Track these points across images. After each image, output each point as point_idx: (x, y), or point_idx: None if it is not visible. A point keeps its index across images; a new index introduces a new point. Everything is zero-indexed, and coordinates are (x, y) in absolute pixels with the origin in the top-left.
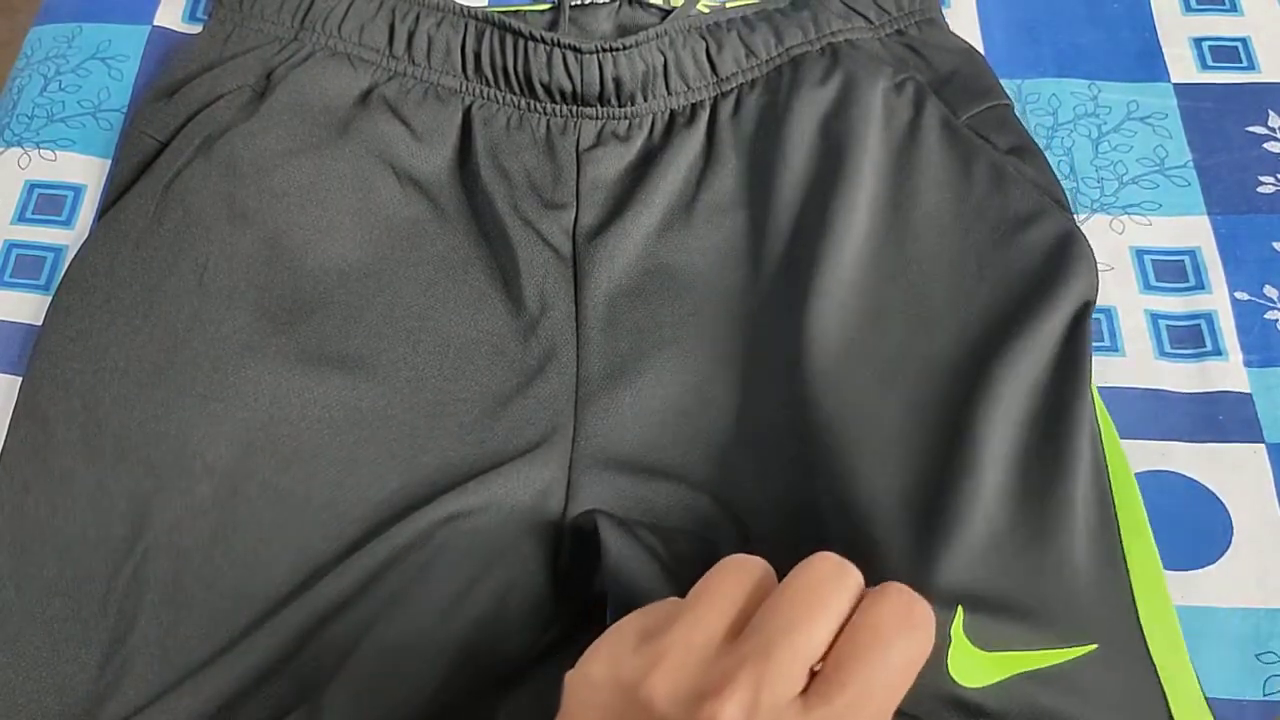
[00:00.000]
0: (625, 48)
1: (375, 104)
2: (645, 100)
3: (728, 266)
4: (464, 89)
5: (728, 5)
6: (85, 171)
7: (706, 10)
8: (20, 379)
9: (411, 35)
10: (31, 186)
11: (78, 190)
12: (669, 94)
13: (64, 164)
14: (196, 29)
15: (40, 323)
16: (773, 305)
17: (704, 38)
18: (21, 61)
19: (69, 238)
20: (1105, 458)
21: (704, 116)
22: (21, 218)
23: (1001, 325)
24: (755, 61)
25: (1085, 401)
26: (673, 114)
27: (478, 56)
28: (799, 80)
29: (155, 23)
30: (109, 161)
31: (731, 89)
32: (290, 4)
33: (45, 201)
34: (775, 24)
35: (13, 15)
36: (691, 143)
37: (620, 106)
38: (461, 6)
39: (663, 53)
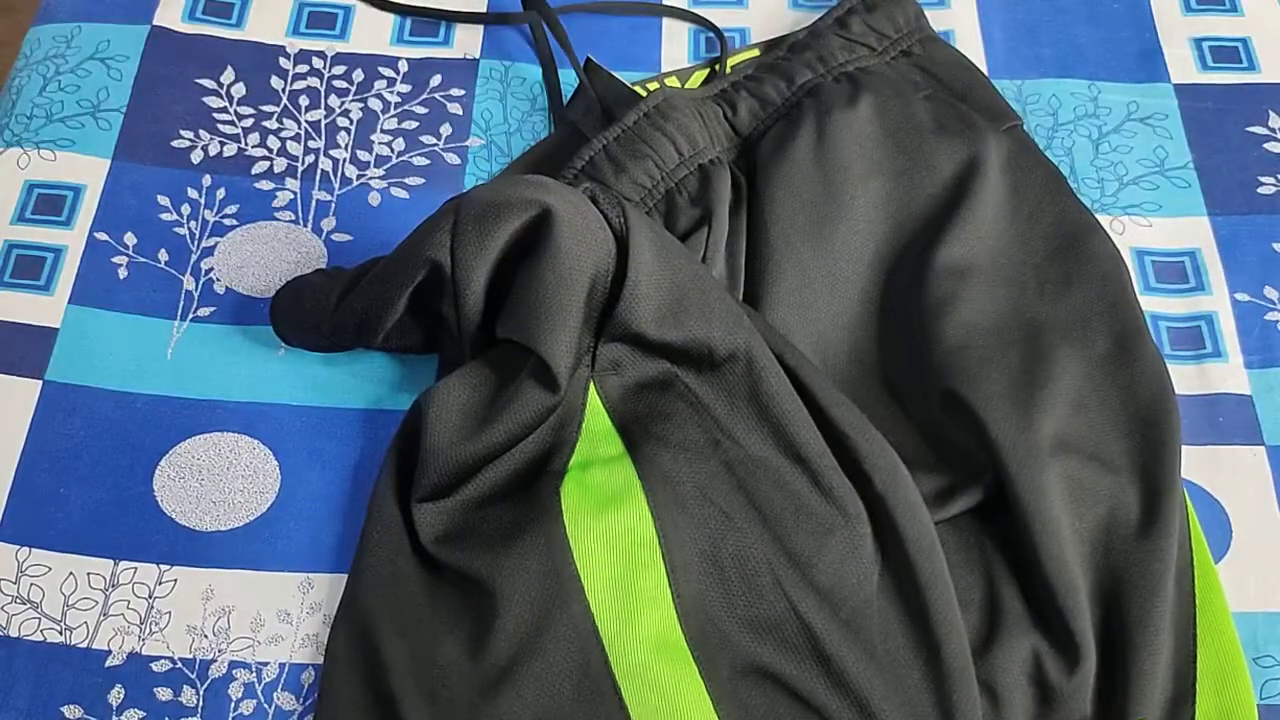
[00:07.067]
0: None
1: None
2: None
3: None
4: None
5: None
6: (85, 171)
7: (698, 87)
8: (19, 379)
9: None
10: (31, 186)
11: (77, 190)
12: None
13: (64, 164)
14: (196, 29)
15: (39, 323)
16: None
17: (720, 104)
18: (21, 61)
19: (69, 238)
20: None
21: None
22: (21, 218)
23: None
24: (771, 109)
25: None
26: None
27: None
28: (822, 106)
29: (155, 22)
30: (108, 161)
31: (754, 132)
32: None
33: (45, 201)
34: (782, 70)
35: (13, 15)
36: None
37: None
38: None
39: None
